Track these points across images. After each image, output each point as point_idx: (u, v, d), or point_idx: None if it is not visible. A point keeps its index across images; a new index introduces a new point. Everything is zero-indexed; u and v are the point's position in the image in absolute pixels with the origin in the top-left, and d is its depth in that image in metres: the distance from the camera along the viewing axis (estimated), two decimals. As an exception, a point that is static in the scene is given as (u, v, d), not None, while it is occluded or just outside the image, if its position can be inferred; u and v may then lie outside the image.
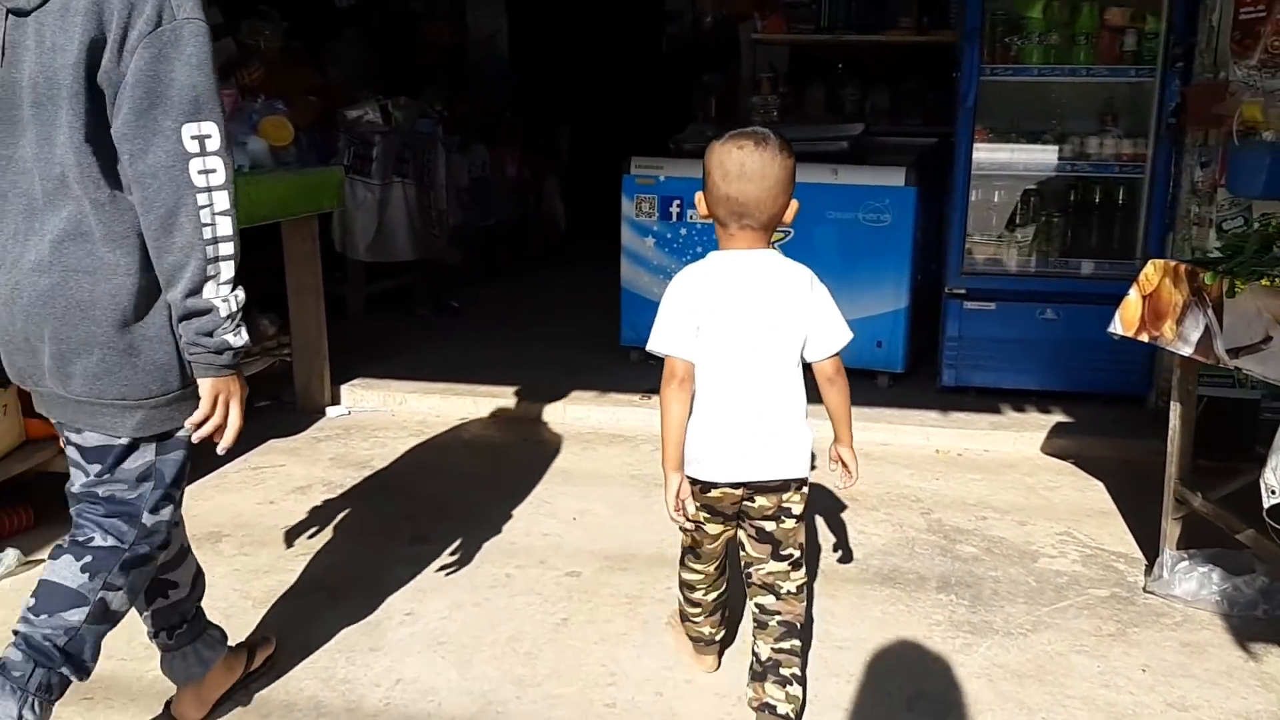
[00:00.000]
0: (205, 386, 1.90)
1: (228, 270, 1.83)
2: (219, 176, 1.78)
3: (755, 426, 2.24)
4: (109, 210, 1.80)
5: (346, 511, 3.58)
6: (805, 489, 2.32)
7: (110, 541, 1.97)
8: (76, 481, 2.02)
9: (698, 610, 2.53)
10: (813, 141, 4.97)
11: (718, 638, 2.58)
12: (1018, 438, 4.28)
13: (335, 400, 4.75)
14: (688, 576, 2.50)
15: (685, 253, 5.02)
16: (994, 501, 3.74)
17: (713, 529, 2.36)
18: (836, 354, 2.27)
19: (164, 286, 1.84)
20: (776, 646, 2.31)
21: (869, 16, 6.25)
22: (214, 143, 1.77)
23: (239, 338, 1.87)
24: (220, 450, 1.95)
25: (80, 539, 1.98)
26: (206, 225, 1.78)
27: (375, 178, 6.00)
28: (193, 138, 1.75)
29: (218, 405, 1.91)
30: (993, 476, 3.98)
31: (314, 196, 4.35)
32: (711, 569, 2.47)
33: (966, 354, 4.65)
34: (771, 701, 2.28)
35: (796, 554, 2.34)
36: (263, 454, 4.16)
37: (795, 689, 2.29)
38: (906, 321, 4.74)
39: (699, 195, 2.33)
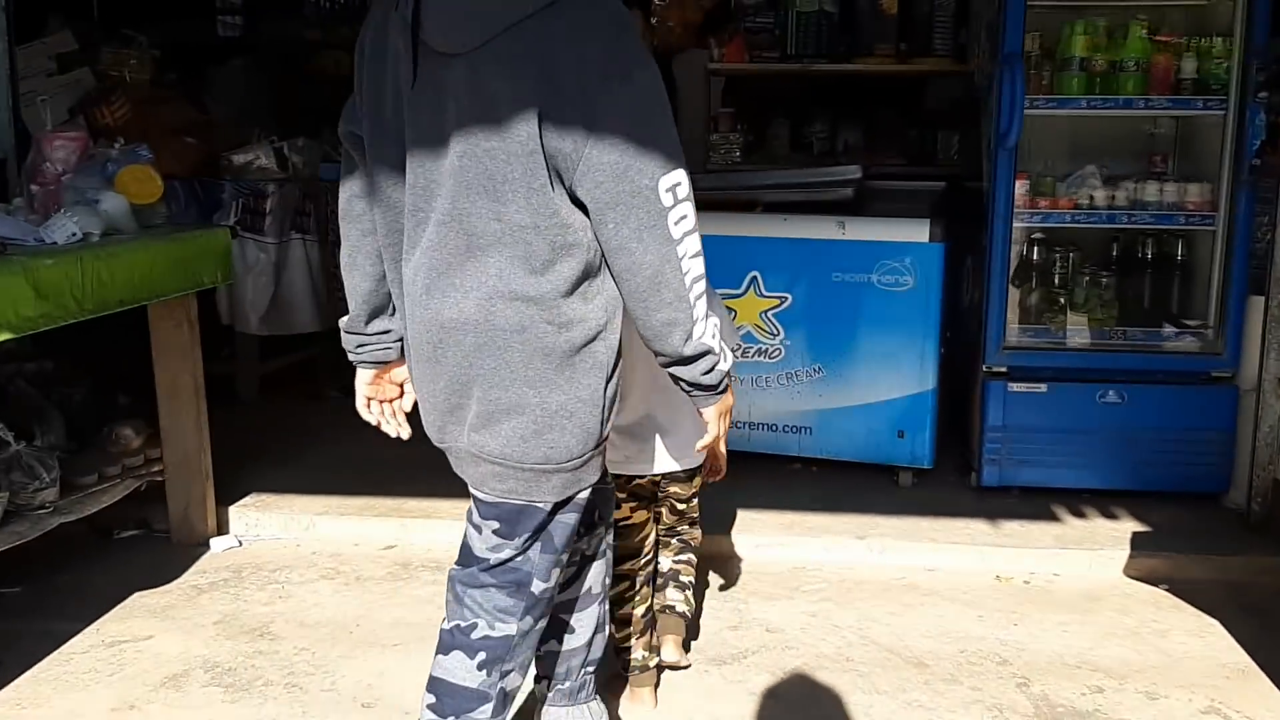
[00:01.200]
0: (709, 413, 1.92)
1: (701, 305, 1.77)
2: (690, 222, 1.73)
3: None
4: (547, 268, 1.71)
5: None
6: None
7: (500, 631, 1.92)
8: (469, 551, 1.94)
9: (627, 633, 2.56)
10: (809, 189, 4.13)
11: (651, 664, 2.61)
12: (1093, 557, 3.45)
13: (222, 528, 3.71)
14: (617, 587, 2.49)
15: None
16: (1101, 659, 2.88)
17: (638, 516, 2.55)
18: None
19: (651, 341, 1.80)
20: (676, 559, 2.74)
21: (840, 43, 5.46)
22: (684, 189, 1.71)
23: (728, 360, 1.87)
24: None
25: (469, 632, 1.92)
26: (686, 274, 1.73)
27: (270, 235, 4.97)
28: (667, 190, 1.68)
29: (721, 424, 1.93)
30: (1083, 618, 3.13)
31: (191, 269, 3.34)
32: (639, 565, 2.55)
33: (1012, 447, 3.81)
34: (671, 602, 2.70)
35: (696, 515, 2.75)
36: (123, 618, 3.11)
37: (690, 594, 2.74)
38: (934, 406, 3.89)
39: None
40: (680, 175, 1.68)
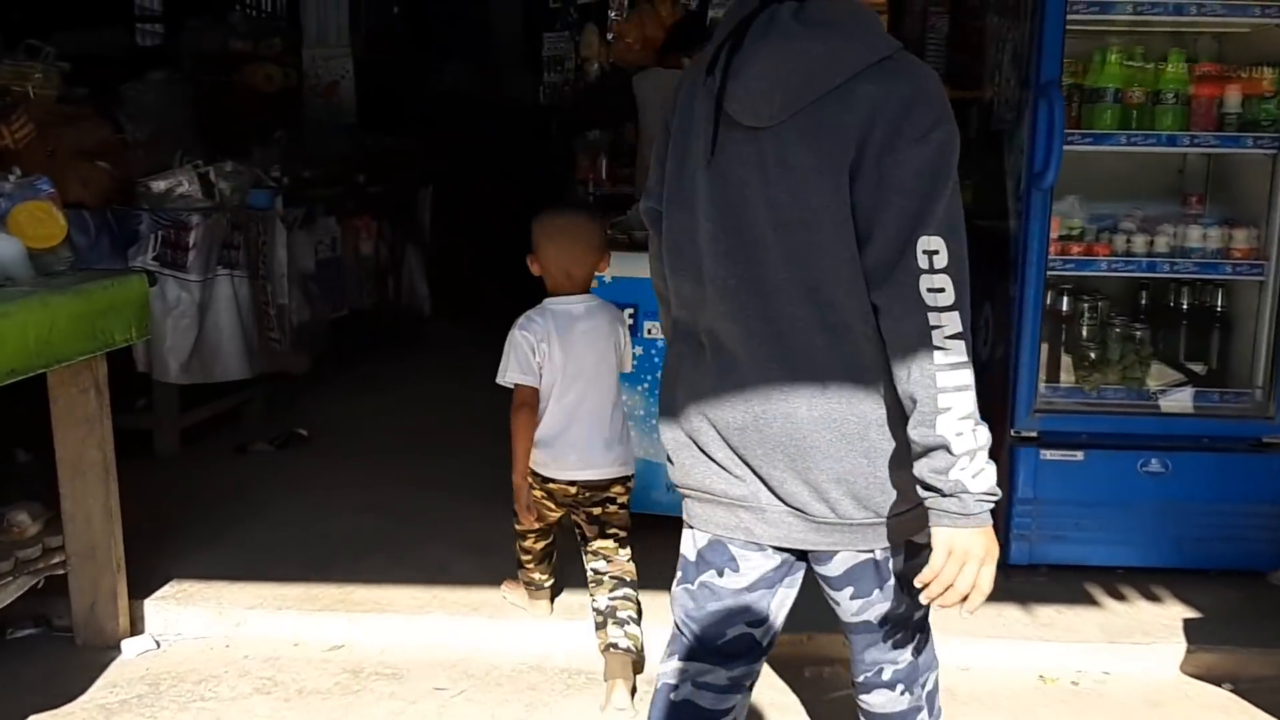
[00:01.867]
0: (938, 540, 1.64)
1: (956, 398, 1.58)
2: (947, 297, 1.57)
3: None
4: (868, 339, 1.65)
5: None
6: (630, 481, 2.95)
7: (902, 660, 1.91)
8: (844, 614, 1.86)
9: (529, 558, 3.05)
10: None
11: (546, 584, 3.12)
12: (1146, 653, 3.05)
13: (136, 626, 3.15)
14: (521, 528, 2.99)
15: (642, 377, 3.64)
16: (1187, 791, 2.48)
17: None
18: None
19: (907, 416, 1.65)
20: (612, 596, 2.85)
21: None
22: (942, 259, 1.58)
23: (980, 478, 1.60)
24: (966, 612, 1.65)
25: (879, 675, 1.91)
26: (938, 350, 1.58)
27: (193, 272, 4.41)
28: (924, 251, 1.58)
29: (951, 562, 1.63)
30: (1151, 734, 2.72)
31: (100, 325, 2.79)
32: (539, 527, 2.97)
33: (1043, 520, 3.39)
34: (614, 639, 2.79)
35: (624, 534, 2.93)
36: (12, 754, 2.56)
37: (633, 629, 2.82)
38: (953, 475, 3.46)
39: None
40: (940, 243, 1.57)
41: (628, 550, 2.92)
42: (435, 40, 12.25)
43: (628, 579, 2.88)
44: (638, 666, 2.82)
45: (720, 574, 1.82)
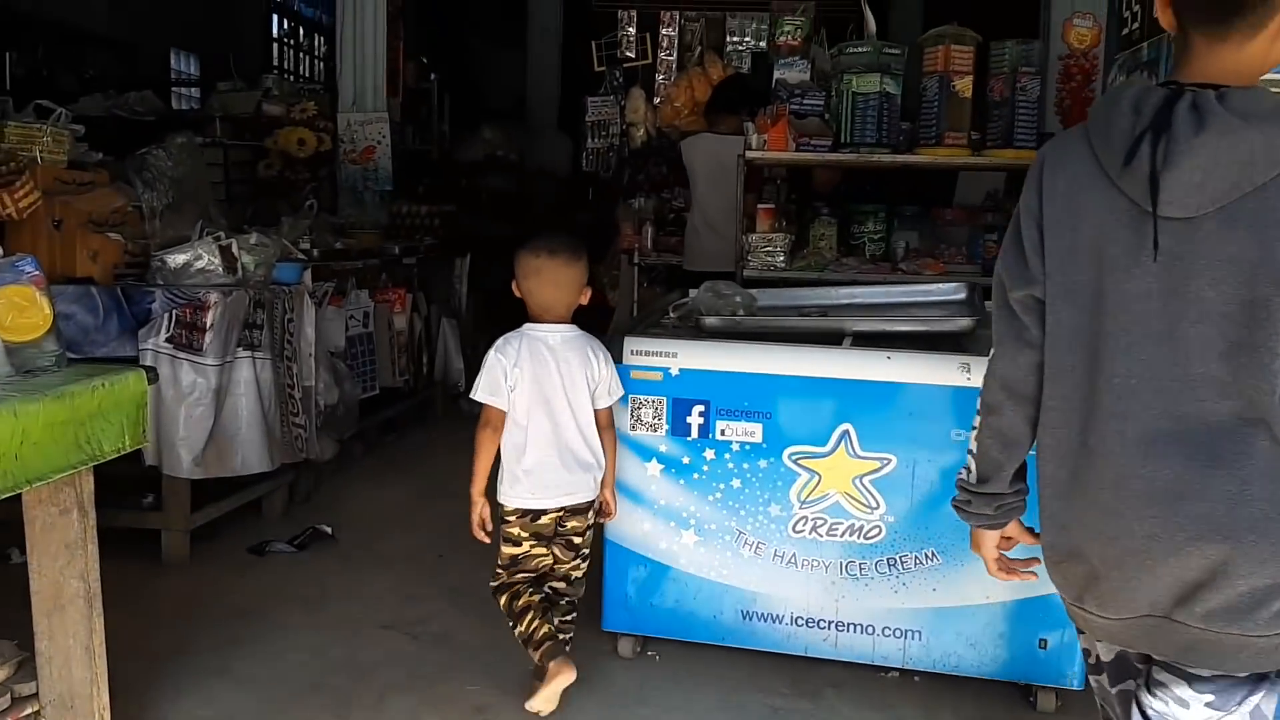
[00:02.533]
0: None
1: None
2: None
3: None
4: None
5: None
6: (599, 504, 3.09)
7: None
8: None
9: (530, 615, 2.95)
10: (920, 316, 3.23)
11: (545, 641, 2.92)
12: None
13: (124, 787, 2.66)
14: (506, 594, 3.05)
15: (713, 485, 3.16)
16: None
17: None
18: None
19: None
20: (563, 619, 3.04)
21: (901, 131, 4.62)
22: None
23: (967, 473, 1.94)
24: None
25: None
26: None
27: (210, 355, 3.98)
28: None
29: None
30: None
31: (87, 433, 2.34)
32: (526, 577, 3.03)
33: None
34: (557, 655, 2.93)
35: (588, 550, 3.09)
36: None
37: (568, 636, 3.05)
38: (1084, 607, 2.94)
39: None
40: None
41: (584, 570, 3.10)
42: (473, 105, 11.99)
43: (575, 602, 3.10)
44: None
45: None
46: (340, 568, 4.16)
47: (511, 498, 2.97)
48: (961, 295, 3.52)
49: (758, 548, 3.15)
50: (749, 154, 4.57)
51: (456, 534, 4.57)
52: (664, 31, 6.82)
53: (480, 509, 2.99)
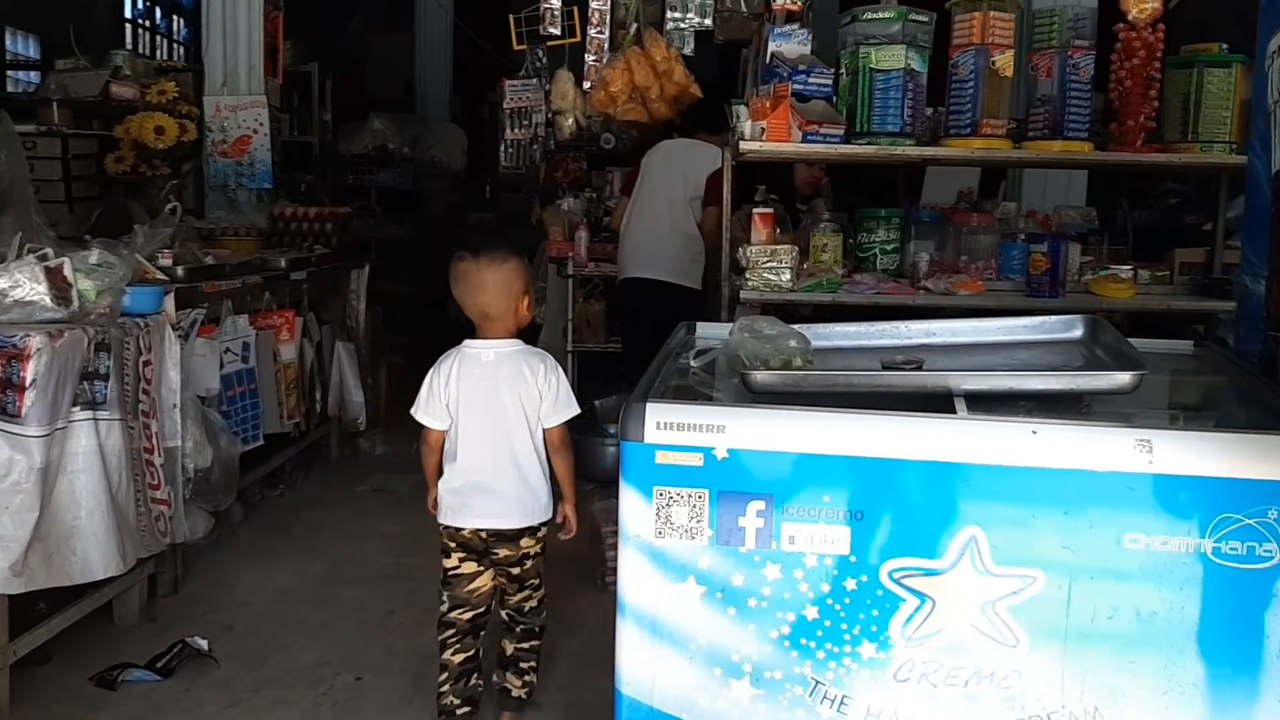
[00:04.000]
0: None
1: None
2: None
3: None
4: None
5: None
6: (541, 531, 2.88)
7: None
8: None
9: (445, 676, 2.86)
10: (1042, 369, 2.32)
11: (458, 711, 2.85)
12: None
13: None
14: (443, 633, 2.87)
15: (778, 616, 2.20)
16: None
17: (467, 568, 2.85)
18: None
19: None
20: (519, 646, 2.94)
21: (923, 116, 3.76)
22: None
23: None
24: None
25: None
26: None
27: (33, 422, 2.85)
28: None
29: None
30: None
31: None
32: (465, 618, 2.85)
33: None
34: (508, 685, 2.93)
35: (536, 582, 2.92)
36: None
37: (530, 676, 2.96)
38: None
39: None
40: None
41: (540, 595, 2.94)
42: (357, 93, 10.83)
43: (537, 629, 2.96)
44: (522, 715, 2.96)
45: None
46: (216, 699, 3.08)
47: (440, 510, 2.88)
48: (1079, 332, 2.63)
49: (843, 704, 2.20)
50: (744, 145, 3.63)
51: (379, 638, 3.57)
52: (594, 5, 5.84)
53: (435, 498, 2.91)
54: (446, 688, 2.84)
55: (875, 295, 3.70)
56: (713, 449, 2.18)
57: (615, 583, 3.86)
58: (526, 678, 2.93)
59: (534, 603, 2.93)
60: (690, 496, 2.20)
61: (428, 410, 2.82)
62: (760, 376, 2.29)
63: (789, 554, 2.18)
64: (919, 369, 2.33)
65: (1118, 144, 3.76)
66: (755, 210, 3.75)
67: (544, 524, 2.86)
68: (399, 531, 4.65)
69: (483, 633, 2.91)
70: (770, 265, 3.58)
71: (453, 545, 2.84)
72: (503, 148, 6.19)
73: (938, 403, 2.25)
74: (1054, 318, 2.69)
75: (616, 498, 4.09)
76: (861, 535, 2.16)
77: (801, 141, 3.63)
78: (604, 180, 6.89)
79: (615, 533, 4.02)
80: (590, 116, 6.20)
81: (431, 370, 2.84)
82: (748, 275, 3.60)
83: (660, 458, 2.20)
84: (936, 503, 2.13)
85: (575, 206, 6.21)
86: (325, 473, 5.57)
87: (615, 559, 3.92)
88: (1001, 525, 2.12)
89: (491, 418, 2.77)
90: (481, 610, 2.88)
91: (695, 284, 5.17)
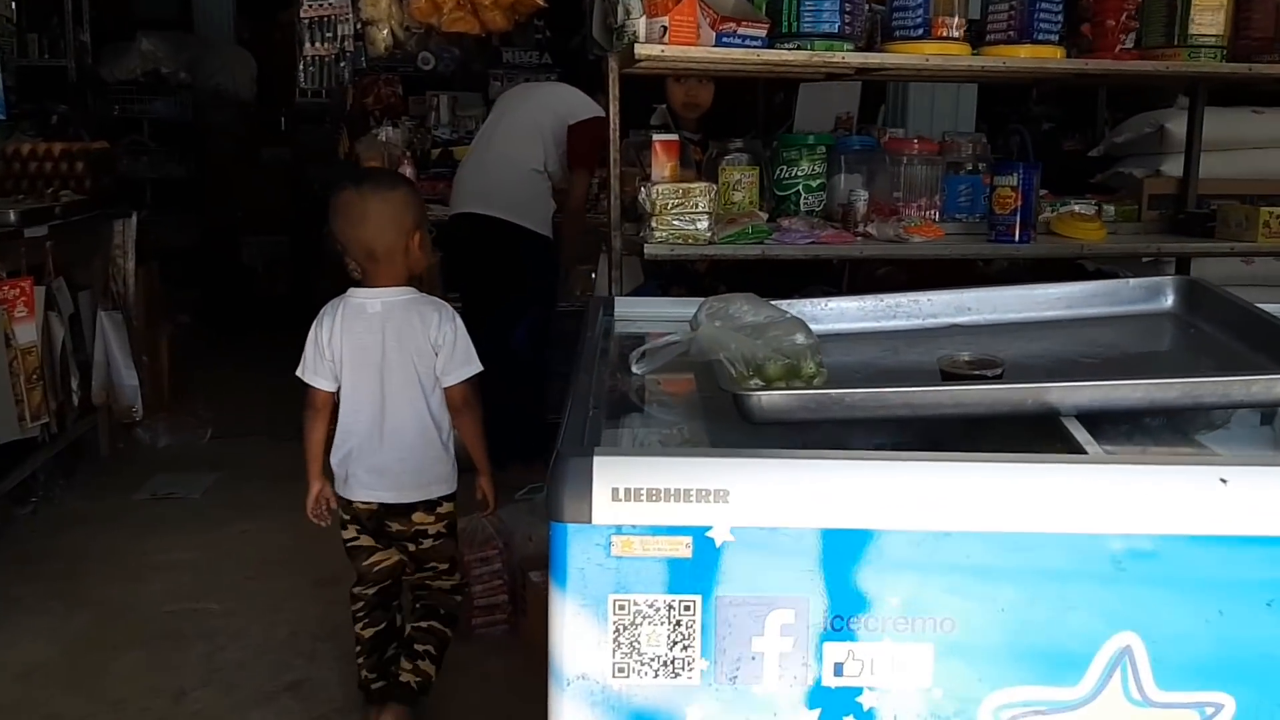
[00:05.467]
0: None
1: None
2: None
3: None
4: None
5: None
6: (443, 507, 2.52)
7: None
8: None
9: (359, 649, 2.58)
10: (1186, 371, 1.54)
11: (373, 685, 2.56)
12: None
13: None
14: (352, 604, 2.59)
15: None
16: None
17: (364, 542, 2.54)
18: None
19: None
20: (415, 625, 2.57)
21: (862, 16, 2.95)
22: None
23: None
24: None
25: None
26: None
27: None
28: None
29: None
30: None
31: None
32: (370, 593, 2.56)
33: None
34: (399, 671, 2.53)
35: (444, 565, 2.58)
36: None
37: (426, 664, 2.54)
38: None
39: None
40: None
41: (454, 578, 2.63)
42: (121, 12, 9.30)
43: (442, 610, 2.60)
44: (412, 710, 2.53)
45: None
46: None
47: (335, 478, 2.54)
48: (1169, 301, 1.86)
49: None
50: (640, 51, 2.71)
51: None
52: (409, -110, 4.76)
53: (317, 490, 2.54)
54: (362, 660, 2.58)
55: (811, 246, 2.88)
56: (708, 528, 1.33)
57: (487, 625, 3.00)
58: (421, 664, 2.54)
59: (443, 584, 2.61)
60: (672, 608, 1.34)
61: (315, 370, 2.46)
62: (769, 399, 1.42)
63: (836, 692, 1.35)
64: (1000, 376, 1.51)
65: (1093, 50, 3.05)
66: (656, 138, 2.85)
67: (446, 498, 2.53)
68: (191, 559, 3.64)
69: (395, 603, 2.63)
70: (682, 210, 2.71)
71: (346, 518, 2.54)
72: (301, 66, 5.07)
73: (1035, 429, 1.45)
74: (1130, 283, 1.91)
75: (531, 489, 3.33)
76: (952, 654, 1.34)
77: (715, 45, 2.75)
78: (427, 107, 5.82)
79: (483, 561, 3.13)
80: (410, 29, 5.12)
81: (314, 323, 2.47)
82: (654, 224, 2.71)
83: (620, 548, 1.33)
84: (1069, 597, 1.33)
85: (396, 137, 5.15)
86: (93, 477, 4.46)
87: (486, 594, 3.03)
88: (1169, 628, 1.33)
89: (378, 377, 2.43)
90: (388, 584, 2.59)
91: (540, 228, 4.19)
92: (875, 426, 1.46)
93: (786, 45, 2.83)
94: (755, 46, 2.79)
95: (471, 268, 4.31)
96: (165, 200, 8.37)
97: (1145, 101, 6.21)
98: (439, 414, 2.47)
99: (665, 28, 2.70)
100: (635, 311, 2.07)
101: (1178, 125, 5.00)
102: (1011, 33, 2.94)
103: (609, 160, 2.95)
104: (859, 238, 2.99)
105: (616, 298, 2.09)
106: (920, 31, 2.87)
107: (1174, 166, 4.99)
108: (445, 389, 2.45)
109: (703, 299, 1.74)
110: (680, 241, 2.73)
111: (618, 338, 1.91)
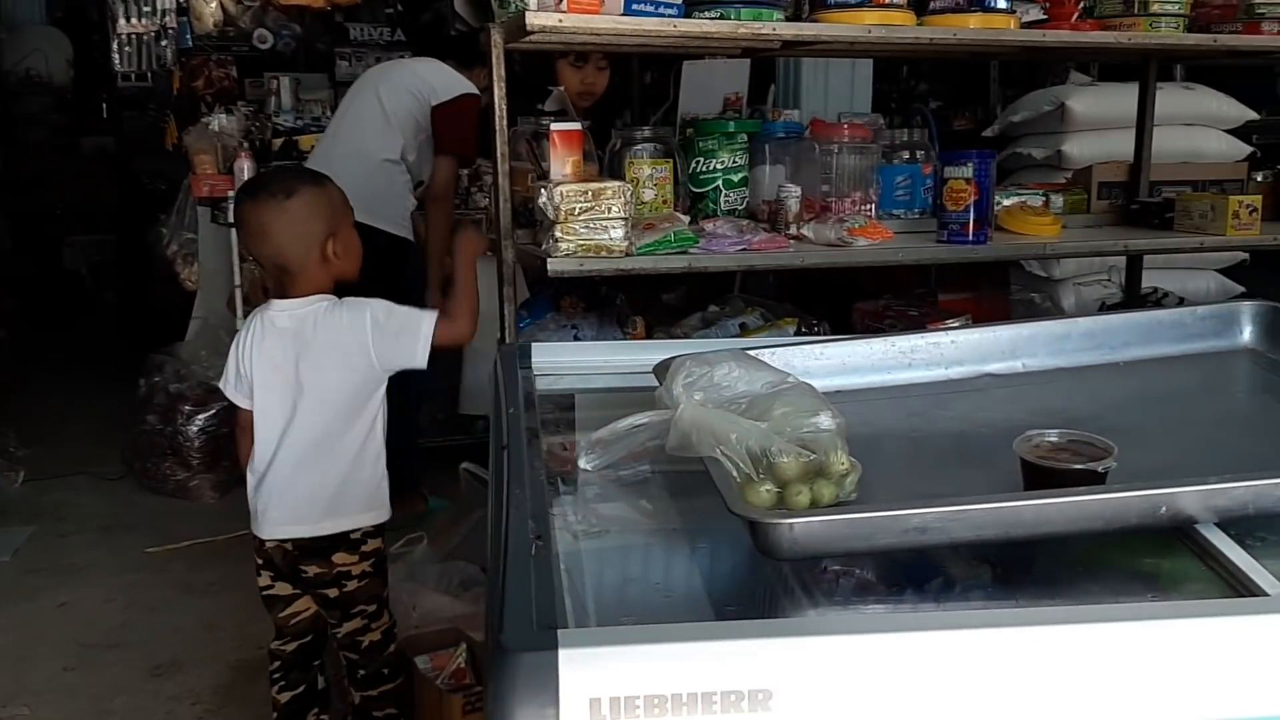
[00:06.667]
0: None
1: None
2: None
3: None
4: None
5: None
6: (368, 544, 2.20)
7: None
8: None
9: (275, 717, 2.28)
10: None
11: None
12: None
13: None
14: (270, 663, 2.28)
15: None
16: None
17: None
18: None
19: None
20: (364, 694, 2.28)
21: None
22: None
23: None
24: None
25: None
26: None
27: None
28: None
29: None
30: None
31: None
32: (288, 649, 2.25)
33: None
34: None
35: (371, 608, 2.23)
36: None
37: None
38: None
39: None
40: None
41: (383, 621, 2.26)
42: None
43: (385, 669, 2.26)
44: None
45: None
46: None
47: None
48: (1245, 334, 1.47)
49: None
50: (533, 21, 2.20)
51: None
52: None
53: None
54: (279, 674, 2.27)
55: (744, 254, 2.41)
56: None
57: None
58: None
59: (375, 636, 2.25)
60: None
61: (236, 387, 2.21)
62: (807, 529, 0.95)
63: None
64: (1110, 466, 1.07)
65: (1048, 20, 2.67)
66: (555, 127, 2.34)
67: (371, 533, 2.20)
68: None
69: (317, 663, 2.31)
70: (592, 216, 2.21)
71: (260, 561, 2.24)
72: (115, 45, 4.34)
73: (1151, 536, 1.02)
74: (1198, 312, 1.51)
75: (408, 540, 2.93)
76: None
77: (624, 14, 2.26)
78: (266, 90, 5.16)
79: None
80: (243, 3, 4.47)
81: (237, 334, 2.25)
82: (558, 233, 2.21)
83: None
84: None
85: (231, 125, 4.49)
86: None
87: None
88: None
89: (290, 397, 2.14)
90: (308, 639, 2.27)
91: (395, 228, 3.52)
92: (950, 558, 1.02)
93: (706, 14, 2.36)
94: (670, 15, 2.31)
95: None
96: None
97: (1035, 79, 5.98)
98: (366, 433, 2.18)
99: (562, -6, 2.20)
100: (558, 361, 1.58)
101: (1079, 102, 4.74)
102: (960, 0, 2.54)
103: (492, 150, 2.44)
104: (794, 241, 2.55)
105: (533, 344, 1.59)
106: (858, -1, 2.44)
107: (1076, 146, 4.73)
108: (434, 346, 2.10)
109: (672, 357, 1.26)
110: (590, 254, 2.24)
111: (542, 403, 1.42)
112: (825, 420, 1.09)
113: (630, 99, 4.97)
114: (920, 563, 1.09)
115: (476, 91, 3.42)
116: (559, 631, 0.84)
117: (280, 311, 2.14)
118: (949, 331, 1.43)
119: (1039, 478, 1.06)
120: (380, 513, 2.23)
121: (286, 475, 2.17)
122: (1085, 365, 1.43)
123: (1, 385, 5.01)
